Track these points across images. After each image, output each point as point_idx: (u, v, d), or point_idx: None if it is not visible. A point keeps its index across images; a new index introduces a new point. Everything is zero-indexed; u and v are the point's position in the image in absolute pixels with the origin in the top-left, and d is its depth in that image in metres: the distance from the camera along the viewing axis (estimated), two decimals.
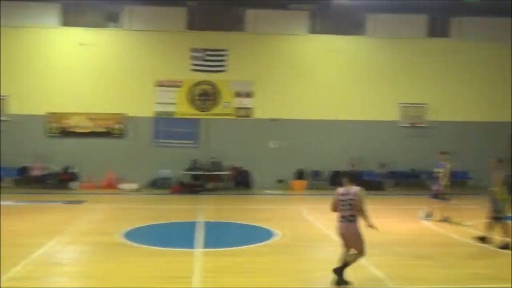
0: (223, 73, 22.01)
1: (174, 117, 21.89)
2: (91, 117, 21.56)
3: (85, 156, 21.11)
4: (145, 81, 21.65)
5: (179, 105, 21.90)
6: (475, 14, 22.02)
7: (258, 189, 21.42)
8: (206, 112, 22.03)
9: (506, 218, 11.06)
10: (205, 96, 22.04)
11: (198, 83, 21.93)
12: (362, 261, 8.59)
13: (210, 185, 21.15)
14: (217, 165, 21.52)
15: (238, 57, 21.92)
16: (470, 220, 13.33)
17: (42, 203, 16.84)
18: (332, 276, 7.98)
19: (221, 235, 12.39)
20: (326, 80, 22.36)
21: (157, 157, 21.47)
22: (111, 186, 20.77)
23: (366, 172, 21.98)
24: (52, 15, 21.25)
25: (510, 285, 8.13)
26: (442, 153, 14.48)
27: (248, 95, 22.13)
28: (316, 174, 22.15)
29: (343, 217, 8.05)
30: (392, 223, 13.33)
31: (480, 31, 22.57)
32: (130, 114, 21.62)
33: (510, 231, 10.91)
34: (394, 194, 20.29)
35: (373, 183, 21.24)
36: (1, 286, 7.73)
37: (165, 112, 21.86)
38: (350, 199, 7.98)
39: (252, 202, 19.28)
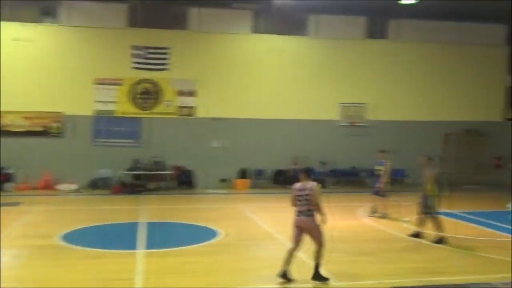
0: (165, 71, 21.72)
1: (114, 115, 21.42)
2: (27, 115, 20.77)
3: (21, 156, 20.29)
4: (85, 79, 21.07)
5: (120, 103, 21.45)
6: (412, 16, 22.78)
7: (201, 188, 21.31)
8: (148, 111, 21.68)
9: (437, 213, 11.52)
10: (147, 95, 21.69)
11: (140, 81, 21.56)
12: (305, 259, 8.72)
13: (152, 185, 20.85)
14: (159, 165, 21.22)
15: (181, 55, 21.71)
16: (408, 216, 13.76)
17: None
18: (278, 277, 8.05)
19: (164, 236, 12.24)
20: (268, 79, 22.50)
21: (97, 156, 20.95)
22: (48, 187, 20.10)
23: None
24: None
25: (445, 278, 8.48)
26: (382, 151, 14.91)
27: (190, 94, 21.95)
28: (259, 173, 22.27)
29: (300, 211, 8.27)
30: (333, 220, 13.40)
31: (416, 33, 23.41)
32: (69, 113, 20.96)
33: (441, 226, 11.38)
34: (335, 192, 20.67)
35: (315, 181, 21.55)
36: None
37: (105, 111, 21.35)
38: (306, 194, 8.22)
39: (195, 201, 19.16)
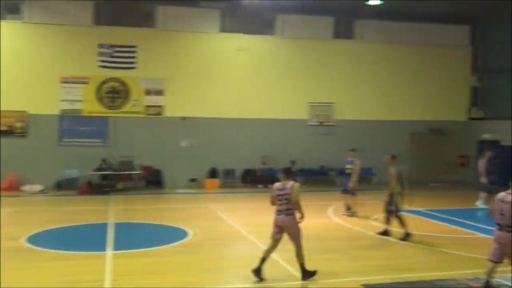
0: (132, 70, 21.48)
1: (81, 115, 21.08)
2: None
3: None
4: (50, 77, 20.66)
5: (86, 102, 21.11)
6: (377, 17, 23.09)
7: (170, 188, 21.16)
8: (115, 110, 21.41)
9: (399, 211, 11.75)
10: (114, 94, 21.42)
11: (106, 80, 21.27)
12: (274, 257, 8.78)
13: (120, 185, 20.60)
14: (127, 165, 20.97)
15: (148, 54, 21.50)
16: (376, 214, 13.97)
17: None
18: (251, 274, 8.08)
19: (133, 236, 12.15)
20: (237, 78, 22.47)
21: (63, 156, 20.58)
22: (12, 188, 19.62)
23: (277, 169, 22.39)
24: None
25: (412, 274, 8.65)
26: (352, 150, 15.07)
27: (158, 93, 21.76)
28: (228, 173, 22.25)
29: (280, 210, 8.36)
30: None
31: (381, 34, 23.72)
32: (33, 112, 20.52)
33: (405, 223, 11.61)
34: (303, 191, 20.72)
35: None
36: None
37: (71, 110, 20.99)
38: (286, 194, 8.29)
39: (164, 201, 19.04)
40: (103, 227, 12.74)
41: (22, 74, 20.45)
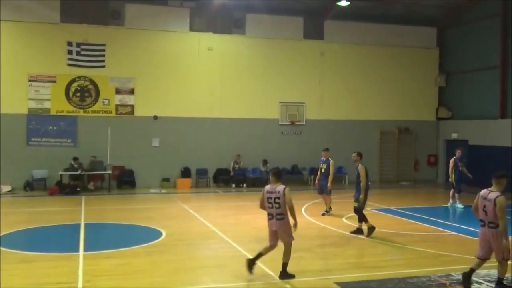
0: (102, 68, 21.20)
1: (49, 114, 20.73)
2: None
3: None
4: (17, 76, 20.24)
5: (54, 101, 20.78)
6: (347, 18, 23.37)
7: (142, 188, 20.98)
8: (84, 109, 21.12)
9: (361, 208, 11.96)
10: (83, 93, 21.14)
11: (75, 79, 20.97)
12: (247, 256, 8.80)
13: (90, 185, 20.37)
14: (97, 164, 20.69)
15: (118, 52, 21.27)
16: (349, 213, 14.09)
17: None
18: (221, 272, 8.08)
19: (103, 237, 12.03)
20: (207, 78, 22.37)
21: (32, 156, 20.21)
22: None
23: (250, 169, 22.51)
24: None
25: (385, 272, 8.79)
26: (327, 149, 15.14)
27: (128, 91, 21.57)
28: (200, 172, 22.19)
29: (270, 214, 8.31)
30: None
31: (351, 35, 23.96)
32: (1, 111, 20.07)
33: (367, 219, 11.83)
34: None
35: (256, 180, 21.81)
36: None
37: (39, 109, 20.63)
38: (276, 197, 8.20)
39: (136, 201, 18.88)
40: (75, 228, 12.58)
41: None
